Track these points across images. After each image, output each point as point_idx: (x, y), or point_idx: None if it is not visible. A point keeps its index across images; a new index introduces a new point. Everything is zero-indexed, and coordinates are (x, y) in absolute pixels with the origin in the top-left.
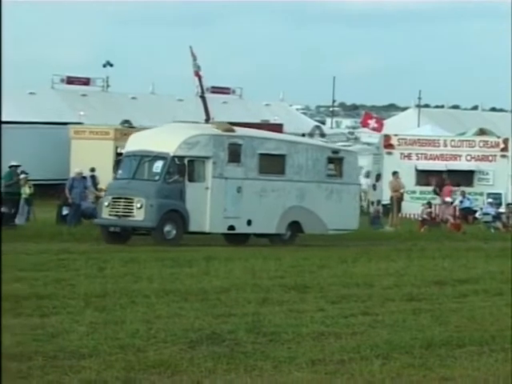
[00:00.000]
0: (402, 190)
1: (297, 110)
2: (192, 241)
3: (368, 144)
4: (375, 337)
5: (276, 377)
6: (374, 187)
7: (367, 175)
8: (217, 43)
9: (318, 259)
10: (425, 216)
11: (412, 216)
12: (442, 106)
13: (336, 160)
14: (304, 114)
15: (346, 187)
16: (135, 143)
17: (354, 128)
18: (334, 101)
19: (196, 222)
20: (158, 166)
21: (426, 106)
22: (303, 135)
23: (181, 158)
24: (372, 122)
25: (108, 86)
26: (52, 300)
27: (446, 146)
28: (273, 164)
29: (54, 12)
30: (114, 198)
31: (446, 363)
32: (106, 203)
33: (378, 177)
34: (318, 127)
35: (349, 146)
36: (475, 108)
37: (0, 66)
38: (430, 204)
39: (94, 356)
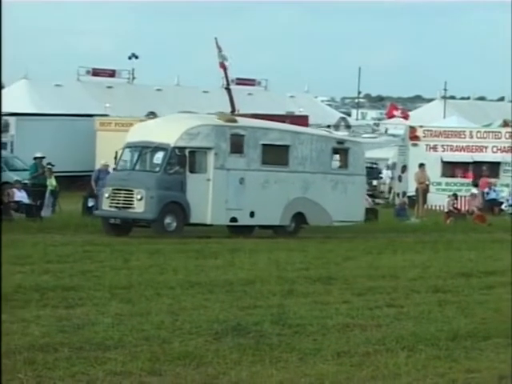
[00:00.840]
0: (427, 182)
1: (322, 101)
2: (216, 233)
3: (393, 135)
4: (400, 329)
5: (301, 369)
6: (400, 179)
7: (388, 167)
8: (242, 35)
9: (343, 251)
10: (451, 208)
11: (438, 208)
12: (468, 98)
13: (341, 151)
14: (329, 105)
15: (352, 178)
16: (136, 134)
17: (379, 119)
18: (359, 92)
19: (197, 213)
20: (159, 157)
21: (452, 97)
22: (329, 127)
23: (182, 148)
24: (397, 113)
25: (133, 77)
26: (77, 291)
27: (471, 137)
28: (276, 155)
29: (80, 4)
30: (114, 190)
31: (472, 355)
32: (107, 195)
33: (404, 168)
34: (343, 119)
35: (374, 137)
36: (501, 99)
37: (0, 64)
38: (455, 196)
39: (120, 347)
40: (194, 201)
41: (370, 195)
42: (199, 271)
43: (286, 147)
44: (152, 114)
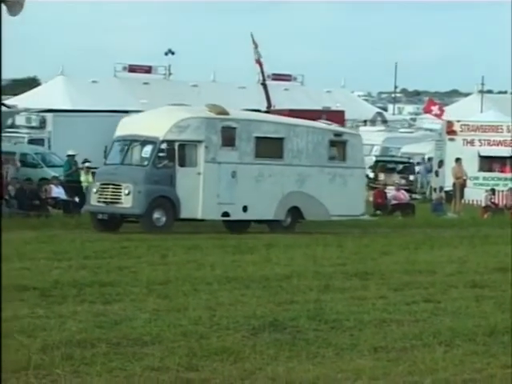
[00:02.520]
0: (464, 177)
1: (358, 96)
2: (254, 228)
3: (430, 130)
4: (438, 324)
5: (338, 364)
6: (437, 174)
7: (424, 161)
8: (278, 30)
9: (380, 246)
10: (488, 202)
11: (475, 202)
12: (506, 92)
13: (339, 143)
14: (366, 100)
15: (350, 171)
16: (126, 127)
17: (416, 114)
18: (395, 87)
19: (187, 208)
20: (147, 150)
21: (489, 91)
22: (365, 122)
23: (171, 142)
24: (435, 109)
25: (170, 73)
26: (115, 287)
27: (509, 131)
28: (270, 148)
29: (116, 1)
30: (102, 185)
31: (509, 350)
32: (95, 189)
33: (441, 163)
34: (379, 114)
35: (411, 132)
36: None
37: (0, 65)
38: (493, 190)
39: (157, 343)
40: (184, 195)
41: (406, 190)
42: (236, 267)
43: (280, 140)
44: None
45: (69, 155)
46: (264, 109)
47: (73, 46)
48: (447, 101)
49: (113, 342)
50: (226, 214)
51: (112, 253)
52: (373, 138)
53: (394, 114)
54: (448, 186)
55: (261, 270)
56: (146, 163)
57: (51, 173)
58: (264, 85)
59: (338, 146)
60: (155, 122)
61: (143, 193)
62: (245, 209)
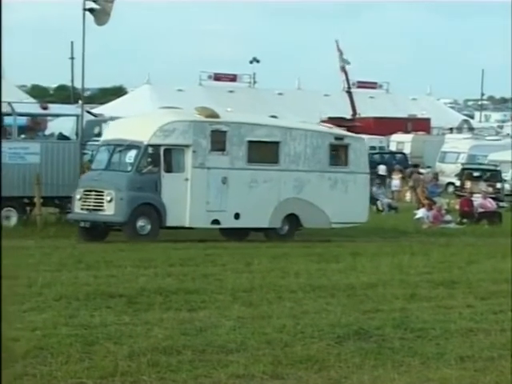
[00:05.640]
0: None
1: (444, 104)
2: (337, 236)
3: None
4: None
5: (424, 373)
6: None
7: None
8: (363, 37)
9: (467, 255)
10: None
11: None
12: None
13: (340, 147)
14: (452, 108)
15: (353, 176)
16: (112, 132)
17: (503, 122)
18: (482, 94)
19: (174, 215)
20: (131, 155)
21: None
22: (451, 129)
23: (156, 146)
24: None
25: (255, 82)
26: (200, 295)
27: None
28: (264, 152)
29: (202, 8)
30: (85, 191)
31: None
32: (78, 196)
33: None
34: (466, 121)
35: (498, 140)
36: None
37: (0, 66)
38: None
39: (242, 351)
40: (170, 202)
41: (493, 198)
42: (321, 275)
43: (275, 144)
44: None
45: None
46: (349, 116)
47: (159, 54)
48: None
49: (198, 349)
50: (216, 222)
51: (197, 260)
52: (459, 146)
53: (480, 121)
54: None
55: (346, 279)
56: (129, 169)
57: None
58: (349, 92)
59: (340, 150)
60: (140, 126)
61: (125, 200)
62: (237, 216)
